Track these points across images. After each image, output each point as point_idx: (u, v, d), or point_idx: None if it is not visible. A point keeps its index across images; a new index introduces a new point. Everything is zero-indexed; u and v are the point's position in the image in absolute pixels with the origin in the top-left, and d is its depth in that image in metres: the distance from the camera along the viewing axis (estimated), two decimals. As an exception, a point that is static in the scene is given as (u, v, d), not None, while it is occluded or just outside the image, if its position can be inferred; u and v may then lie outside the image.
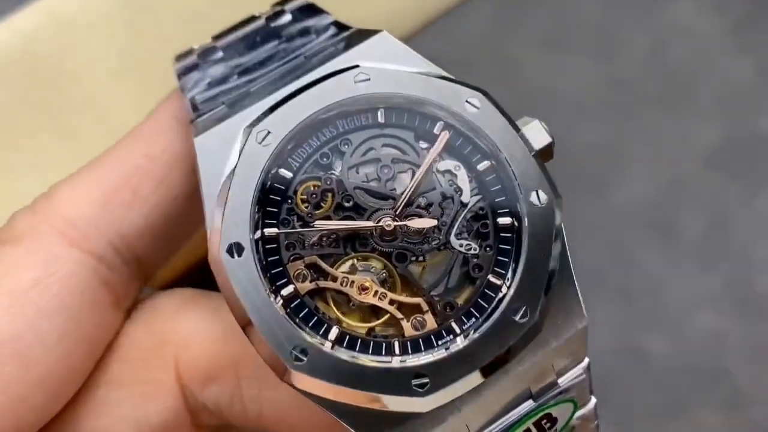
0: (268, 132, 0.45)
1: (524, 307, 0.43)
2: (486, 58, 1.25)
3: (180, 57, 0.50)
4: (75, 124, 0.63)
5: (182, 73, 0.49)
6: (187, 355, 0.45)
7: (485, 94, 0.47)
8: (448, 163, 0.46)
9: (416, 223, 0.45)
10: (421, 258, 0.45)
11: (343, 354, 0.42)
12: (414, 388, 0.42)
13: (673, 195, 1.26)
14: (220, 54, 0.49)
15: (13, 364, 0.43)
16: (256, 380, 0.45)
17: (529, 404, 0.45)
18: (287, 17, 0.50)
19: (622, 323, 1.22)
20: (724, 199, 1.26)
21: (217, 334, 0.45)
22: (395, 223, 0.45)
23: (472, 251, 0.45)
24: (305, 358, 0.42)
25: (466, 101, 0.46)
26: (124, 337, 0.47)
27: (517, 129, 0.46)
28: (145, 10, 0.65)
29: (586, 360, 0.46)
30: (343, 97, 0.46)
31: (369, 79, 0.46)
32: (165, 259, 0.50)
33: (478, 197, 0.46)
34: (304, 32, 0.49)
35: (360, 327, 0.44)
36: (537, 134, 0.46)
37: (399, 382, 0.42)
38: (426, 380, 0.42)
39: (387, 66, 0.46)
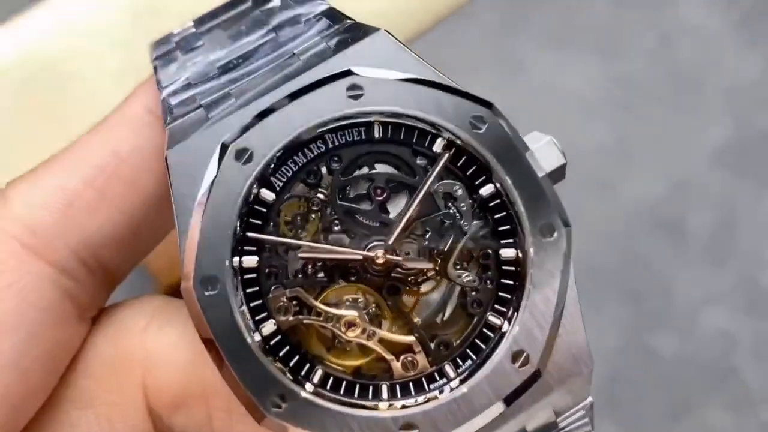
0: (249, 150, 0.39)
1: (525, 353, 0.38)
2: (492, 57, 1.22)
3: (157, 44, 0.44)
4: (79, 126, 0.60)
5: (158, 65, 0.43)
6: (155, 378, 0.40)
7: (492, 108, 0.40)
8: (448, 185, 0.40)
9: (411, 263, 0.39)
10: (415, 290, 0.40)
11: (326, 399, 0.37)
12: None
13: (681, 193, 1.22)
14: (200, 43, 0.43)
15: None
16: (227, 413, 0.40)
17: None
18: (276, 2, 0.43)
19: (631, 322, 1.18)
20: (732, 197, 1.22)
21: (188, 358, 0.40)
22: (388, 257, 0.39)
23: (471, 284, 0.40)
24: (284, 405, 0.37)
25: (471, 118, 0.40)
26: (90, 350, 0.42)
27: (526, 148, 0.40)
28: (150, 12, 0.63)
29: (589, 399, 0.41)
30: (333, 115, 0.39)
31: (362, 91, 0.39)
32: (132, 264, 0.44)
33: (480, 224, 0.40)
34: (294, 21, 0.43)
35: (346, 366, 0.39)
36: (548, 154, 0.40)
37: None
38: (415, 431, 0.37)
39: (382, 74, 0.40)
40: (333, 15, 0.43)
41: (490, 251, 0.40)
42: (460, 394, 0.37)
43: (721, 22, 1.26)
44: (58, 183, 0.41)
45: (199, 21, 0.44)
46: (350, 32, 0.42)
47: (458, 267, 0.40)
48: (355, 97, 0.39)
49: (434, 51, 0.43)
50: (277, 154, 0.39)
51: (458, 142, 0.40)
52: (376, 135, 0.40)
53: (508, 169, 0.39)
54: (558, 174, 0.40)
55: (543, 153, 0.40)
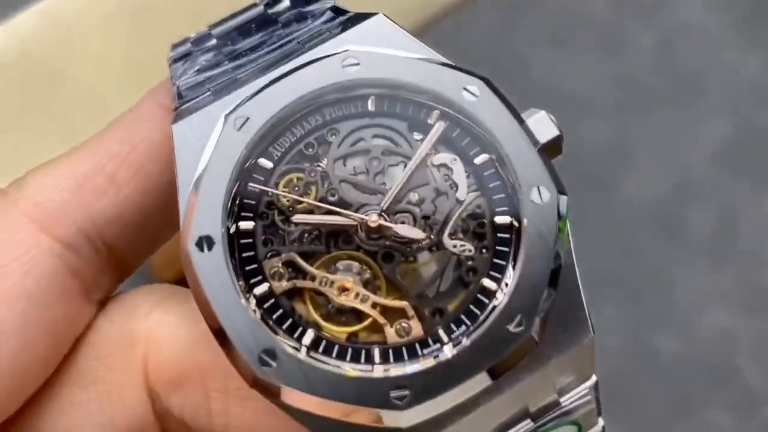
0: (247, 118, 0.40)
1: (519, 316, 0.38)
2: (492, 57, 1.23)
3: (175, 45, 0.46)
4: (76, 126, 0.61)
5: (173, 61, 0.45)
6: (156, 357, 0.41)
7: (486, 81, 0.41)
8: (444, 157, 0.41)
9: (403, 231, 0.40)
10: (410, 259, 0.40)
11: (317, 360, 0.38)
12: (393, 400, 0.37)
13: (682, 193, 1.23)
14: (213, 41, 0.45)
15: None
16: (224, 394, 0.40)
17: (527, 424, 0.40)
18: (285, 3, 0.45)
19: (631, 322, 1.19)
20: (733, 196, 1.23)
21: (189, 339, 0.41)
22: (381, 221, 0.40)
23: (466, 253, 0.40)
24: (274, 363, 0.37)
25: (464, 89, 0.41)
26: (94, 332, 0.43)
27: (521, 121, 0.41)
28: (147, 10, 0.63)
29: (594, 378, 0.41)
30: (329, 82, 0.41)
31: (358, 64, 0.41)
32: (142, 253, 0.46)
33: (476, 194, 0.41)
34: (301, 18, 0.44)
35: (339, 332, 0.39)
36: (543, 126, 0.41)
37: (377, 393, 0.37)
38: (406, 392, 0.37)
39: (379, 50, 0.41)
40: (338, 9, 0.45)
41: (485, 220, 0.40)
42: (452, 356, 0.38)
43: (720, 21, 1.26)
44: (71, 168, 0.43)
45: (214, 25, 0.46)
46: (351, 20, 0.43)
47: (454, 237, 0.40)
48: (351, 69, 0.41)
49: (434, 48, 0.44)
50: (274, 124, 0.40)
51: (452, 112, 0.41)
52: (372, 108, 0.42)
53: (502, 140, 0.40)
54: (554, 147, 0.41)
55: (537, 126, 0.41)
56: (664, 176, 1.23)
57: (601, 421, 0.42)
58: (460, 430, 0.38)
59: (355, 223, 0.40)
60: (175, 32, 0.59)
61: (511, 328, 0.38)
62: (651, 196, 1.22)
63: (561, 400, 0.40)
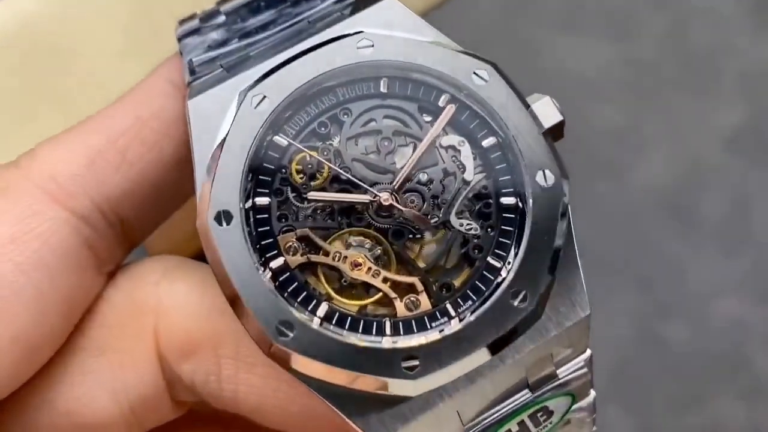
0: (264, 96, 0.43)
1: (523, 292, 0.41)
2: (500, 40, 1.21)
3: (183, 21, 0.49)
4: (78, 105, 0.61)
5: (183, 36, 0.48)
6: (167, 325, 0.44)
7: (495, 66, 0.45)
8: (452, 138, 0.44)
9: (411, 216, 0.43)
10: (418, 236, 0.43)
11: (332, 331, 0.41)
12: (404, 370, 0.40)
13: (693, 179, 1.23)
14: (222, 18, 0.48)
15: None
16: (234, 360, 0.43)
17: (525, 395, 0.43)
18: None
19: (641, 311, 1.19)
20: (745, 183, 1.23)
21: (200, 308, 0.44)
22: (392, 202, 0.43)
23: (472, 231, 0.43)
24: (291, 334, 0.40)
25: (474, 73, 0.44)
26: (104, 302, 0.45)
27: (526, 105, 0.44)
28: None
29: (588, 352, 0.44)
30: (344, 63, 0.44)
31: (372, 46, 0.44)
32: (152, 226, 0.48)
33: (482, 175, 0.44)
34: None
35: (351, 305, 0.42)
36: (547, 111, 0.44)
37: (388, 363, 0.40)
38: (416, 362, 0.40)
39: (392, 33, 0.45)
40: None
41: (491, 200, 0.44)
42: (461, 329, 0.41)
43: (734, 4, 1.27)
44: (83, 141, 0.45)
45: (222, 1, 0.49)
46: (361, 2, 0.46)
47: (461, 216, 0.44)
48: (365, 51, 0.44)
49: (441, 30, 0.47)
50: (290, 102, 0.43)
51: (462, 95, 0.44)
52: (384, 89, 0.45)
53: (509, 124, 0.43)
54: (557, 131, 0.44)
55: (542, 110, 0.44)
56: (676, 162, 1.23)
57: (593, 392, 0.46)
58: (464, 398, 0.41)
59: (368, 200, 0.43)
60: (177, 10, 0.60)
61: (516, 303, 0.41)
62: (662, 182, 1.22)
63: (558, 372, 0.44)
